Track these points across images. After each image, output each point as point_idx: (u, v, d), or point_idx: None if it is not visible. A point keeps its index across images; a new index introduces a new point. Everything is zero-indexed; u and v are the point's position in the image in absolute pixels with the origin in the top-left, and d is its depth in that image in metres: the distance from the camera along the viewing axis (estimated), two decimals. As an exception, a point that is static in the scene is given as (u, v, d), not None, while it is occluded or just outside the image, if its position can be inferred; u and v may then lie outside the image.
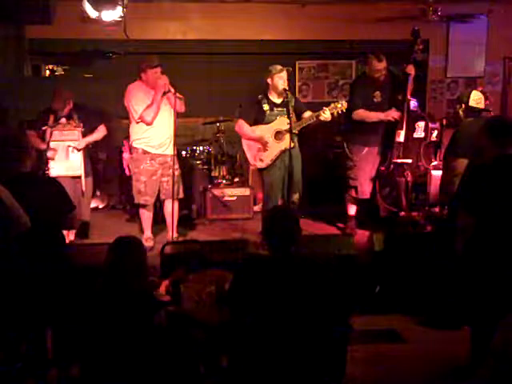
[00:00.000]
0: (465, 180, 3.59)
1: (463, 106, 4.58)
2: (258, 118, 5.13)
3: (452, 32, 7.33)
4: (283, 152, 5.06)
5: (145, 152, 5.10)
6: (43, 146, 5.06)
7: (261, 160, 5.16)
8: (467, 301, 3.56)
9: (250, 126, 5.15)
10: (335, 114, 4.96)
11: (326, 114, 4.91)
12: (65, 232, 4.12)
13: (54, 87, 5.33)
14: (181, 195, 5.29)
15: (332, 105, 4.95)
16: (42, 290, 3.28)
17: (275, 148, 5.09)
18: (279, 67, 5.05)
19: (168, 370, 2.87)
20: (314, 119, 4.99)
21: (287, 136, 4.95)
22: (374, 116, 5.28)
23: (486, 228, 3.34)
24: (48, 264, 3.33)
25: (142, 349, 2.81)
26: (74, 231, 5.07)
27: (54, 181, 3.65)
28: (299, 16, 6.91)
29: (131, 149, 5.23)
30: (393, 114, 5.23)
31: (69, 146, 5.14)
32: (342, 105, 4.94)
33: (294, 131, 4.90)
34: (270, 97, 5.13)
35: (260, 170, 5.29)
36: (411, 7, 6.76)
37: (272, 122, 5.09)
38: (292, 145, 4.88)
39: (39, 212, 3.29)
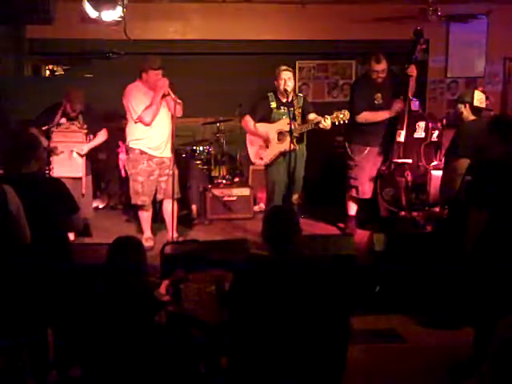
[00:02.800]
0: (476, 177, 3.59)
1: (467, 106, 4.57)
2: (265, 115, 5.13)
3: (452, 32, 7.32)
4: (282, 153, 5.06)
5: (142, 152, 5.08)
6: (45, 144, 5.04)
7: (261, 158, 5.19)
8: (471, 300, 3.55)
9: (256, 122, 5.15)
10: (336, 123, 4.92)
11: (326, 123, 4.86)
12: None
13: (56, 87, 5.31)
14: (178, 195, 5.29)
15: (334, 114, 4.89)
16: (44, 291, 3.27)
17: (275, 148, 5.08)
18: (282, 68, 5.02)
19: (168, 370, 2.87)
20: (313, 126, 4.94)
21: (289, 138, 4.94)
22: (380, 116, 5.28)
23: (498, 225, 3.34)
24: (51, 265, 3.32)
25: (143, 349, 2.81)
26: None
27: (59, 182, 3.64)
28: (299, 16, 6.91)
29: (128, 149, 5.22)
30: (396, 107, 5.22)
31: (72, 151, 5.14)
32: (344, 115, 4.88)
33: (294, 134, 4.87)
34: (279, 95, 5.12)
35: (265, 169, 5.30)
36: (411, 7, 6.76)
37: (277, 121, 5.09)
38: (292, 147, 4.86)
39: (44, 213, 3.29)
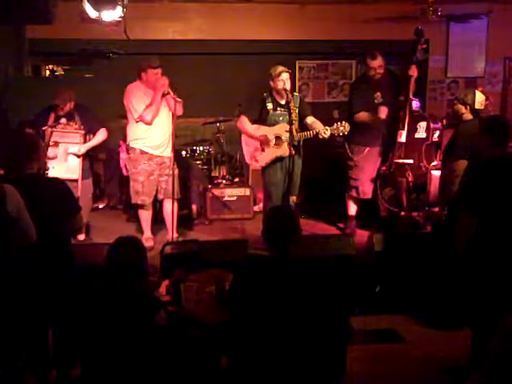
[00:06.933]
0: (466, 180, 3.59)
1: (468, 108, 4.56)
2: (262, 116, 5.05)
3: (452, 32, 7.33)
4: (278, 158, 5.01)
5: (142, 152, 5.09)
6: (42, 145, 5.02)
7: (256, 160, 5.12)
8: (468, 302, 3.56)
9: (252, 123, 5.10)
10: (336, 134, 4.89)
11: (325, 135, 4.80)
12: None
13: (56, 87, 5.30)
14: (178, 195, 5.29)
15: (335, 125, 4.83)
16: (45, 291, 3.27)
17: (272, 152, 5.00)
18: (278, 70, 4.91)
19: (168, 370, 2.87)
20: (312, 136, 4.88)
21: (285, 144, 4.90)
22: (375, 120, 5.29)
23: (487, 228, 3.34)
24: (53, 265, 3.33)
25: (143, 349, 2.81)
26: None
27: (60, 182, 3.64)
28: (299, 16, 6.91)
29: (128, 149, 5.22)
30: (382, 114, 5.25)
31: (67, 152, 5.08)
32: (344, 127, 4.81)
33: (293, 141, 4.81)
34: (275, 96, 5.03)
35: (262, 170, 5.26)
36: (411, 7, 6.76)
37: (275, 124, 4.99)
38: (290, 152, 4.83)
39: (45, 213, 3.29)
